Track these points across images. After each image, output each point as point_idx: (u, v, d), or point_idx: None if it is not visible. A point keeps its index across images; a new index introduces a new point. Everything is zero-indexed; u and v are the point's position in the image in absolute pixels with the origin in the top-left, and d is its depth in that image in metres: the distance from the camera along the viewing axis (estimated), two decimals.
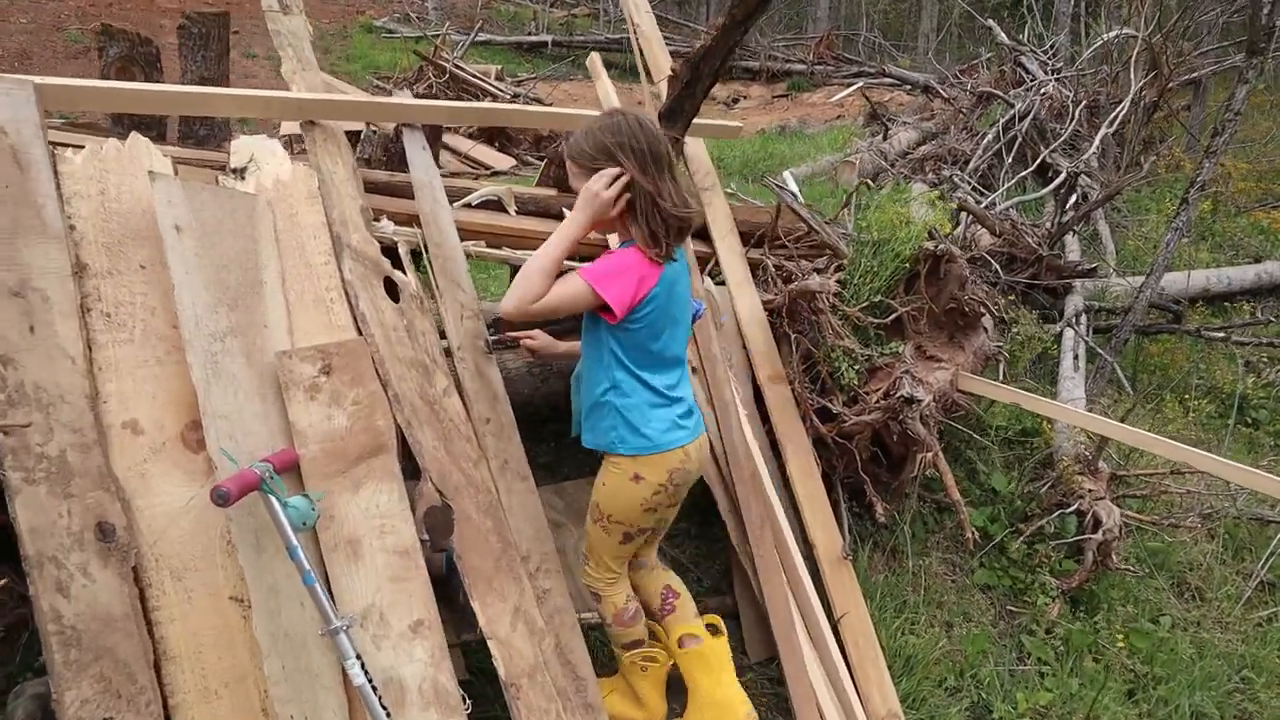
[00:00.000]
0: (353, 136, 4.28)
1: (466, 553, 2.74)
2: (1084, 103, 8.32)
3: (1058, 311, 6.15)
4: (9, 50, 13.01)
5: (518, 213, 3.61)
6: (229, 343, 2.56)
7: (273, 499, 2.35)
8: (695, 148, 4.31)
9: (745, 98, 16.12)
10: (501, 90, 11.75)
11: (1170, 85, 8.17)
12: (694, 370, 3.54)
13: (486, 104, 3.44)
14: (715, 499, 3.44)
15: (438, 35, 13.67)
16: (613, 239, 3.26)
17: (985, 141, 8.00)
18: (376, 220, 3.14)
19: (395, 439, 2.76)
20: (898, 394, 3.63)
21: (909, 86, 13.53)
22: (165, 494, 2.44)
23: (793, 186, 7.28)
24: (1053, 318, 6.10)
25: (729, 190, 5.37)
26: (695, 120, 4.08)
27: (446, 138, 9.87)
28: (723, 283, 3.99)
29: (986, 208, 6.70)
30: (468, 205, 3.48)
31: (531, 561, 2.92)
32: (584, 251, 3.05)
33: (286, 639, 2.44)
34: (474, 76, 11.76)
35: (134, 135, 2.63)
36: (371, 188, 3.34)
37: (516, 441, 3.06)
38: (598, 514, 2.84)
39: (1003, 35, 9.47)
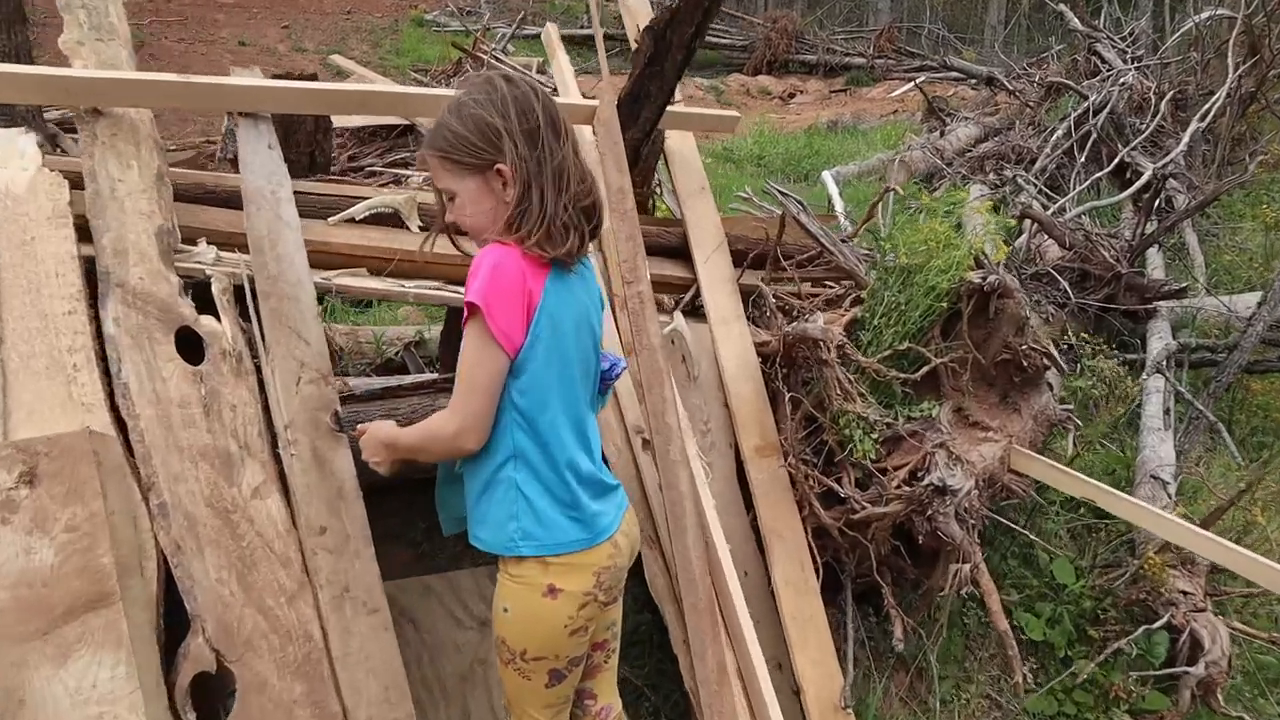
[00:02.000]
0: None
1: None
2: (1169, 95, 6.98)
3: (1138, 338, 4.93)
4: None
5: (424, 229, 2.60)
6: None
7: None
8: (681, 144, 3.25)
9: (802, 92, 14.84)
10: (543, 83, 10.76)
11: (1271, 72, 6.79)
12: (645, 444, 2.50)
13: (341, 85, 2.45)
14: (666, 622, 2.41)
15: (488, 29, 12.74)
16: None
17: (1054, 138, 6.75)
18: (191, 245, 2.16)
19: (156, 574, 1.79)
20: (927, 480, 2.54)
21: (974, 81, 12.17)
22: None
23: (831, 188, 6.17)
24: (1132, 345, 4.90)
25: (742, 194, 4.29)
26: (676, 109, 3.03)
27: None
28: (704, 318, 2.94)
29: (1055, 214, 5.51)
30: (350, 220, 2.48)
31: None
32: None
33: None
34: (514, 69, 10.80)
35: None
36: (215, 199, 2.36)
37: (366, 558, 2.06)
38: (507, 652, 1.83)
39: (1075, 20, 8.14)
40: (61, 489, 1.66)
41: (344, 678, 1.94)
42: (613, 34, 14.82)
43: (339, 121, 9.72)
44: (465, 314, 1.66)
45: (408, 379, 3.47)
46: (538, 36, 14.91)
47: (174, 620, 1.84)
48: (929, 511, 2.53)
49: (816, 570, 2.69)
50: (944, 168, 7.19)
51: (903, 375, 2.70)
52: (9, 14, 3.29)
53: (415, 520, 3.28)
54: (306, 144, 2.59)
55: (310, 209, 2.45)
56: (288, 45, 13.23)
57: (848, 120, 10.77)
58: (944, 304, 2.67)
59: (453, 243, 1.91)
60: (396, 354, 3.75)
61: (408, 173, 9.41)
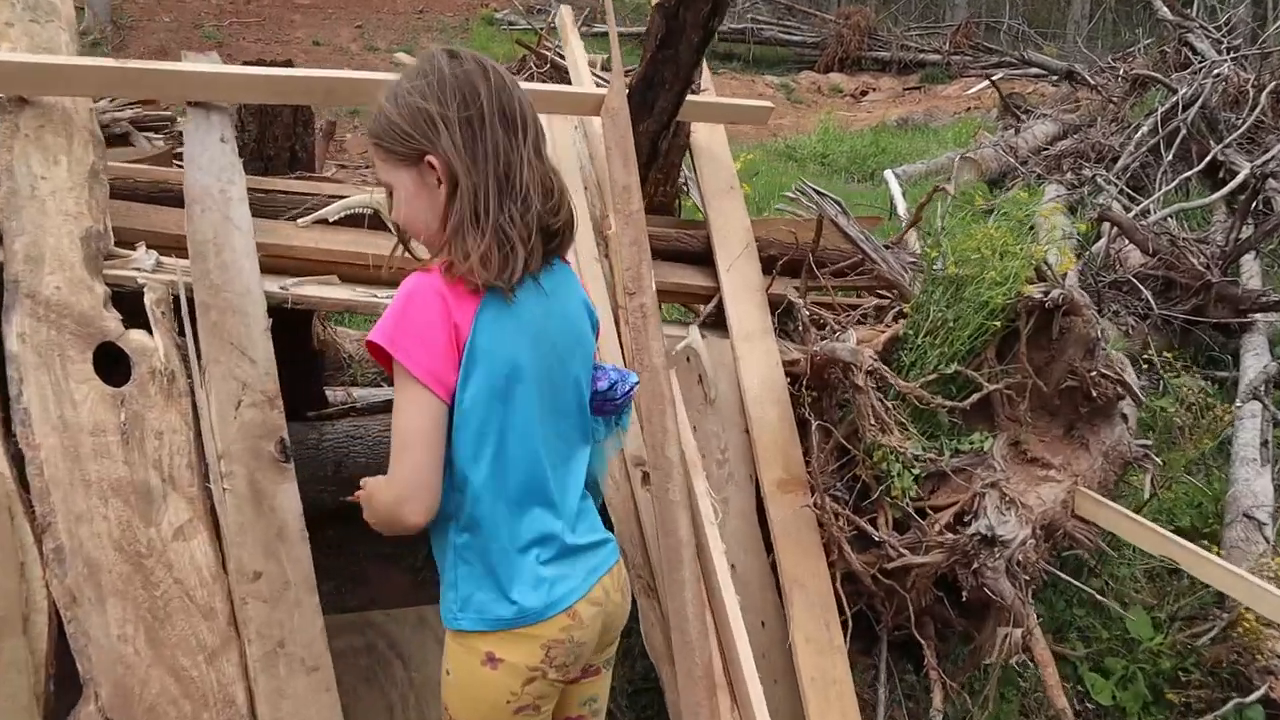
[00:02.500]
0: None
1: None
2: (1270, 86, 6.35)
3: (1230, 355, 4.41)
4: (149, 46, 12.65)
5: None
6: None
7: None
8: (710, 138, 2.90)
9: (875, 90, 14.27)
10: (603, 80, 10.46)
11: None
12: (646, 478, 2.17)
13: (303, 71, 2.18)
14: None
15: (554, 26, 12.49)
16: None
17: (1139, 135, 6.20)
18: (130, 249, 1.90)
19: (47, 630, 1.52)
20: (973, 527, 2.16)
21: (1053, 77, 11.48)
22: None
23: (894, 188, 5.74)
24: (1223, 362, 4.38)
25: (789, 194, 3.91)
26: (698, 99, 2.69)
27: None
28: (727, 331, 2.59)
29: (1137, 216, 5.00)
30: (323, 221, 2.20)
31: None
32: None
33: None
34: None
35: None
36: (174, 199, 2.10)
37: (309, 607, 1.77)
38: None
39: (1164, 9, 7.51)
40: None
41: None
42: None
43: None
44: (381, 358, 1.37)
45: None
46: (605, 34, 14.65)
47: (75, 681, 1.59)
48: (975, 564, 2.14)
49: (845, 623, 2.32)
50: (1017, 167, 6.68)
51: (949, 403, 2.31)
52: None
53: (416, 542, 3.02)
54: (285, 138, 2.33)
55: (279, 209, 2.19)
56: (360, 45, 13.22)
57: (919, 118, 10.25)
58: (999, 322, 2.27)
59: (404, 246, 1.60)
60: None
61: None
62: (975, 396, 2.32)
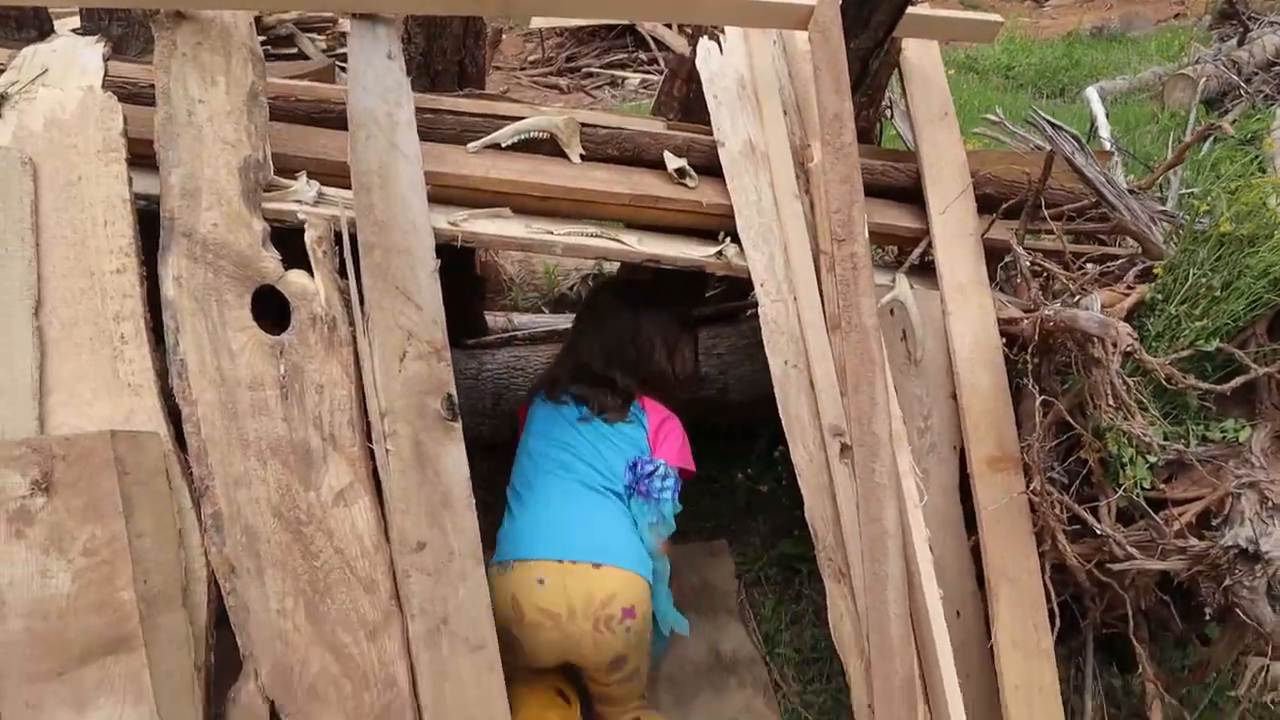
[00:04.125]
0: None
1: None
2: None
3: None
4: None
5: (586, 158, 2.04)
6: None
7: None
8: (923, 56, 2.49)
9: None
10: None
11: None
12: (844, 450, 1.88)
13: None
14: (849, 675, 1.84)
15: None
16: None
17: None
18: (291, 178, 1.71)
19: (206, 599, 1.40)
20: (1229, 536, 1.79)
21: None
22: None
23: (1096, 107, 5.08)
24: None
25: (991, 117, 3.43)
26: (919, 10, 2.28)
27: None
28: (933, 280, 2.24)
29: None
30: (495, 146, 1.96)
31: None
32: None
33: None
34: None
35: None
36: (336, 120, 1.89)
37: (474, 581, 1.61)
38: None
39: None
40: (79, 502, 1.28)
41: None
42: None
43: (554, 22, 9.10)
44: None
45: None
46: None
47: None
48: (1228, 583, 1.78)
49: (1052, 619, 2.02)
50: (1240, 85, 5.81)
51: (1206, 385, 1.91)
52: None
53: None
54: (454, 51, 2.08)
55: (449, 132, 1.96)
56: None
57: (1115, 25, 9.13)
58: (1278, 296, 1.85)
59: None
60: (572, 288, 3.27)
61: (625, 74, 8.84)
62: (1238, 381, 1.91)
